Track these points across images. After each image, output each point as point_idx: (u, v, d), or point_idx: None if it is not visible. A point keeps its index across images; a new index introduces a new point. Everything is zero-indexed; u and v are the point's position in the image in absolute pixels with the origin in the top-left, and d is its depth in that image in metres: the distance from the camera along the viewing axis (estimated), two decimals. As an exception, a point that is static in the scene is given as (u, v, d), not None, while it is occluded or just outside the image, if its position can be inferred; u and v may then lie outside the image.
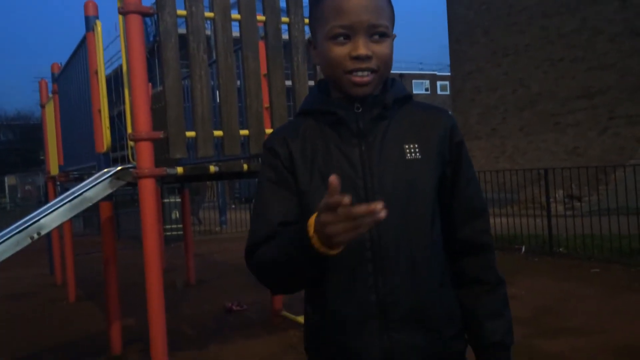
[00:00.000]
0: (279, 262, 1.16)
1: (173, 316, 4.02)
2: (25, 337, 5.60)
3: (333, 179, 0.97)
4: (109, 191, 4.02)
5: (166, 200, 11.87)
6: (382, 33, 1.21)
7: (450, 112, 1.35)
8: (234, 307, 5.97)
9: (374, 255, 1.21)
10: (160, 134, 3.78)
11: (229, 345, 4.83)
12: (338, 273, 1.21)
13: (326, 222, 0.99)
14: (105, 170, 4.13)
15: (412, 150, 1.25)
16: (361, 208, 0.95)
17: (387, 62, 1.24)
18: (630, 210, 7.57)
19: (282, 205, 1.24)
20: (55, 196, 7.24)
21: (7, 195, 31.62)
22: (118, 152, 8.08)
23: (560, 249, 8.05)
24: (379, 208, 0.94)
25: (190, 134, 3.93)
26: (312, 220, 1.04)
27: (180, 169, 4.00)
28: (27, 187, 32.41)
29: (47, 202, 6.50)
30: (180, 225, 10.02)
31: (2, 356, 4.98)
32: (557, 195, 10.69)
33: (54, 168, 7.33)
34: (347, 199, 0.95)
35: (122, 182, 4.04)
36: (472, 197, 1.33)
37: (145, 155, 3.72)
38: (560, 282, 6.32)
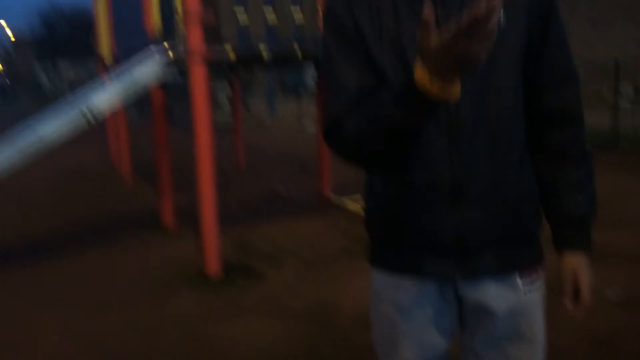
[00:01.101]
0: (377, 132, 1.05)
1: (223, 197, 4.15)
2: (86, 209, 5.96)
3: (427, 13, 0.85)
4: (159, 74, 3.99)
5: (216, 90, 11.88)
6: None
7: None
8: (282, 192, 6.08)
9: (451, 129, 1.10)
10: (210, 13, 3.68)
11: (277, 224, 5.00)
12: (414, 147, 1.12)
13: (464, 47, 0.85)
14: (155, 52, 4.08)
15: None
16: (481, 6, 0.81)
17: None
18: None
19: (355, 71, 1.12)
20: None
21: (66, 86, 32.46)
22: (169, 36, 7.95)
23: (625, 145, 7.73)
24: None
25: (241, 15, 3.80)
26: (420, 73, 0.92)
27: (231, 53, 3.91)
28: (81, 76, 33.04)
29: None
30: (230, 115, 10.07)
31: (67, 226, 5.33)
32: (624, 90, 10.07)
33: (105, 53, 7.35)
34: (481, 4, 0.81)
35: (172, 66, 3.99)
36: (561, 61, 1.18)
37: (195, 36, 3.63)
38: (620, 178, 6.12)
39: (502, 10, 1.08)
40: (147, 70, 3.93)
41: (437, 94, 0.92)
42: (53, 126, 3.59)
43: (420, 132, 1.05)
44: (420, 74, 0.92)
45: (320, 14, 4.04)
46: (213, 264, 3.81)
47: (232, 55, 3.90)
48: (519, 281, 1.18)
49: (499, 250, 1.15)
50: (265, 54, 4.09)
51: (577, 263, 1.21)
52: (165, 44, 3.98)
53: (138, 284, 3.79)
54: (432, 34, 0.87)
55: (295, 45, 4.47)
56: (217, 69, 6.87)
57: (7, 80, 44.33)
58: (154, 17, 4.39)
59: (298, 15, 3.96)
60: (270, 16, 3.88)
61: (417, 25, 1.02)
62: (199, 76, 3.69)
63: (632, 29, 15.36)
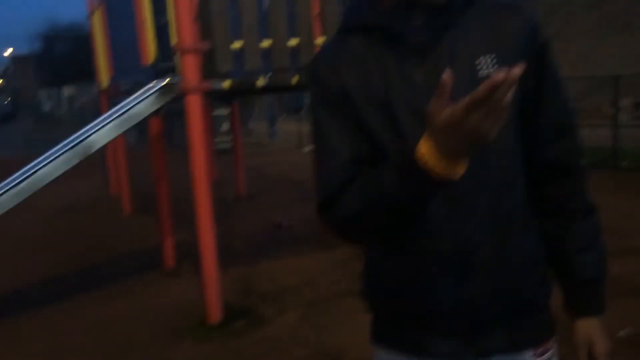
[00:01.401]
0: (375, 212, 0.98)
1: (223, 230, 4.06)
2: (84, 248, 5.82)
3: (447, 76, 0.79)
4: (156, 107, 3.95)
5: (215, 113, 11.84)
6: None
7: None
8: (284, 223, 5.98)
9: (450, 197, 1.02)
10: (205, 46, 3.64)
11: (279, 261, 4.90)
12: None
13: (476, 122, 0.79)
14: (152, 85, 4.02)
15: (487, 63, 1.02)
16: (496, 78, 0.76)
17: None
18: None
19: (348, 142, 1.05)
20: (108, 110, 7.27)
21: (66, 106, 32.54)
22: (168, 62, 7.89)
23: (624, 163, 7.63)
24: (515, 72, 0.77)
25: (237, 44, 3.76)
26: (425, 149, 0.85)
27: (226, 83, 3.86)
28: (84, 99, 33.17)
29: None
30: (230, 137, 10.00)
31: (63, 265, 5.20)
32: (623, 105, 10.00)
33: (104, 80, 7.30)
34: (494, 79, 0.76)
35: (168, 98, 3.94)
36: (560, 111, 1.11)
37: (190, 68, 3.60)
38: (624, 199, 5.98)
39: (493, 55, 1.03)
40: (146, 105, 3.89)
41: (442, 173, 0.85)
42: (51, 167, 3.56)
43: (423, 210, 0.98)
44: (425, 151, 0.85)
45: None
46: (214, 310, 3.72)
47: (227, 85, 3.86)
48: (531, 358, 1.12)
49: (510, 325, 1.09)
50: (260, 81, 4.04)
51: (591, 328, 1.16)
52: (166, 79, 3.92)
53: (138, 335, 3.68)
54: (444, 107, 0.80)
55: (291, 73, 4.41)
56: (215, 96, 6.80)
57: (8, 101, 44.49)
58: (149, 45, 4.35)
59: (293, 42, 3.93)
60: (266, 43, 3.85)
61: (408, 90, 1.01)
62: (194, 108, 3.64)
63: (632, 42, 15.36)
